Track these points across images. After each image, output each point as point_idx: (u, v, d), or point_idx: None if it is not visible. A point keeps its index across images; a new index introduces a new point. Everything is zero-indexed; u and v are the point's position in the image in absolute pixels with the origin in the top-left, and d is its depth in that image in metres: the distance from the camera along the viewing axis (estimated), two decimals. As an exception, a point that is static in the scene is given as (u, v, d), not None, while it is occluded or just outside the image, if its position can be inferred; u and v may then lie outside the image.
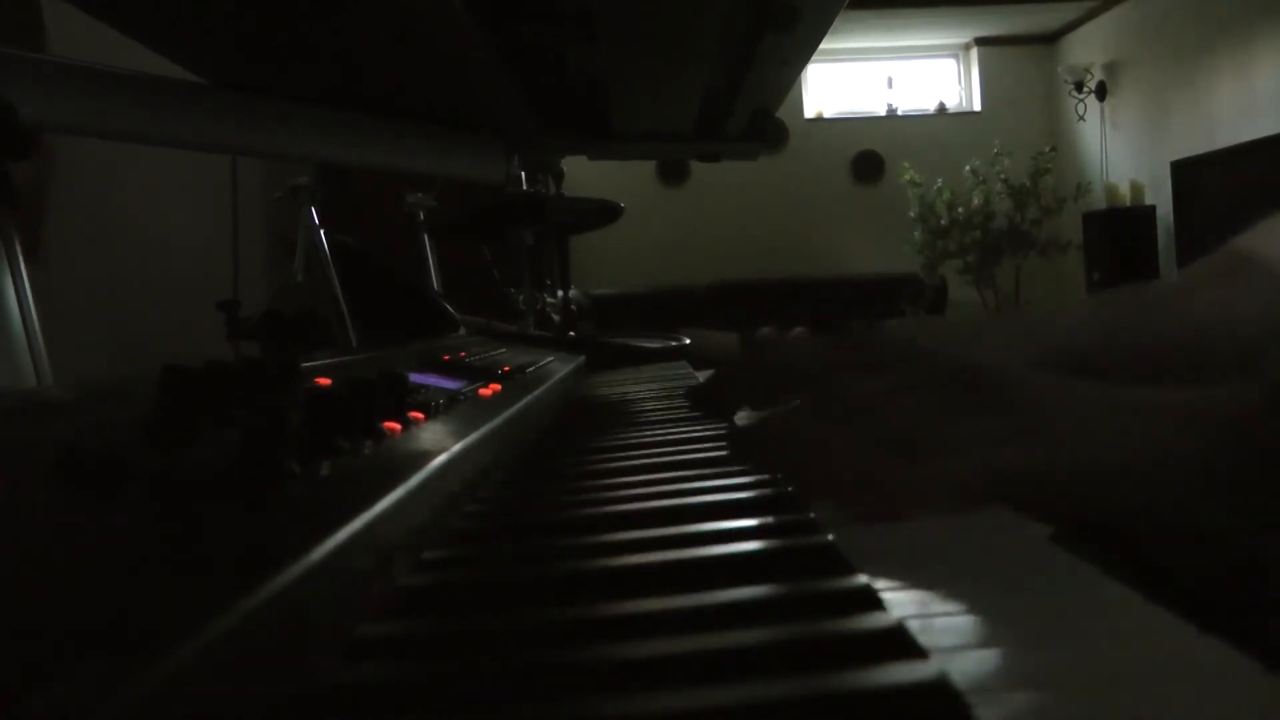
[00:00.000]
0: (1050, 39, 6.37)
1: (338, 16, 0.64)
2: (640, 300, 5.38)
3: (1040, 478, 0.34)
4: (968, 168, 5.66)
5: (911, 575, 0.26)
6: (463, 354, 0.72)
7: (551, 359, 0.90)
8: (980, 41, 6.37)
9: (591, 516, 0.36)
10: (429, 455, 0.35)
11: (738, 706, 0.18)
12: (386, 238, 1.93)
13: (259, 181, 2.49)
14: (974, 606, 0.23)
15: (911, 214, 5.68)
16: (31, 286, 0.60)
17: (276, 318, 1.28)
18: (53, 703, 0.14)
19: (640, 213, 4.76)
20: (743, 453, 0.42)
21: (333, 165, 1.33)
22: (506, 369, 0.69)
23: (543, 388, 0.68)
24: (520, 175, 1.46)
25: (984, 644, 0.21)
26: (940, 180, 5.61)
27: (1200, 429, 0.35)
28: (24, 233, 0.61)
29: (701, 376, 0.97)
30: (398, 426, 0.37)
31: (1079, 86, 5.95)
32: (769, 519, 0.33)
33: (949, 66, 6.55)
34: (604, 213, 1.75)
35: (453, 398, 0.50)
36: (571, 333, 1.71)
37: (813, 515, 0.32)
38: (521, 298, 1.76)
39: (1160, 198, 5.30)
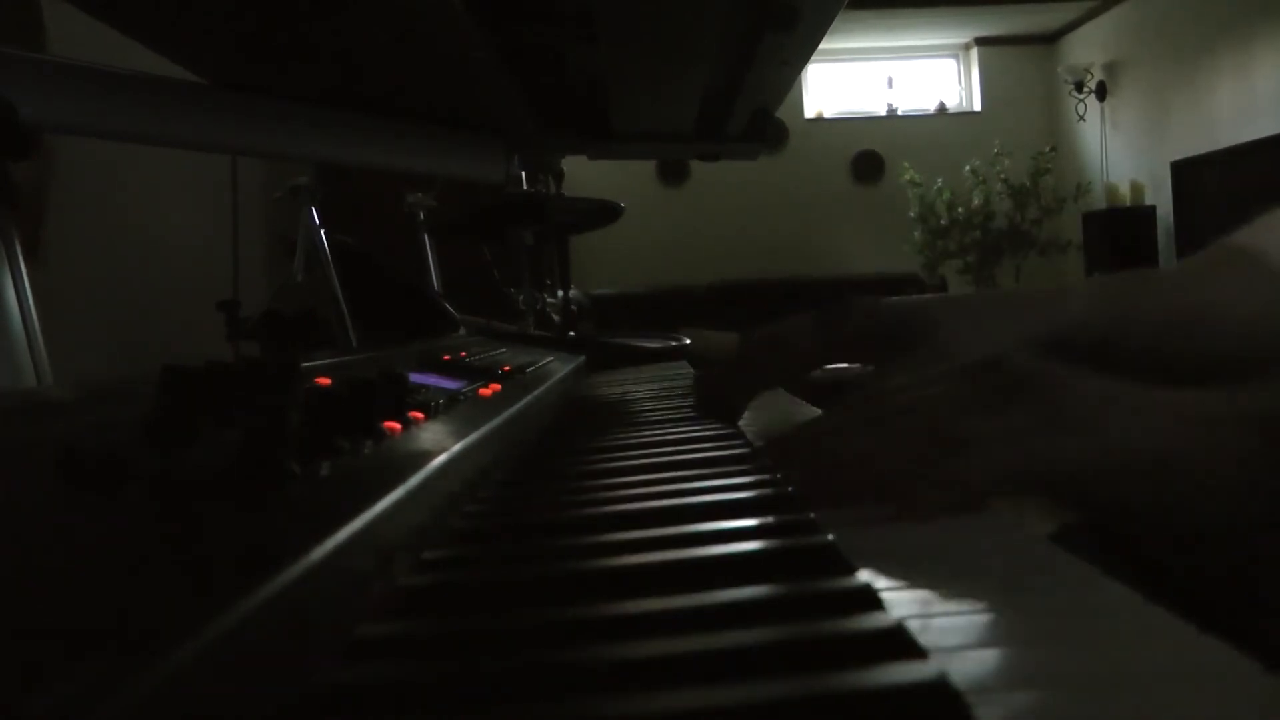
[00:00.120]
0: (1050, 39, 6.37)
1: (338, 16, 0.64)
2: (640, 300, 5.38)
3: (1081, 471, 0.34)
4: (968, 168, 5.66)
5: (911, 575, 0.26)
6: (463, 354, 0.72)
7: (551, 359, 0.90)
8: (980, 41, 6.36)
9: (591, 516, 0.36)
10: (429, 455, 0.35)
11: (738, 706, 0.18)
12: (386, 238, 1.93)
13: (259, 181, 2.49)
14: (974, 606, 0.23)
15: (911, 214, 5.68)
16: (31, 286, 0.60)
17: (276, 318, 1.28)
18: (53, 703, 0.14)
19: (640, 213, 4.76)
20: (783, 462, 0.41)
21: (333, 165, 1.33)
22: (506, 369, 0.69)
23: (543, 388, 0.68)
24: (520, 175, 1.46)
25: (984, 644, 0.21)
26: (940, 180, 5.61)
27: (1235, 430, 0.35)
28: (24, 233, 0.61)
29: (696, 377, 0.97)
30: (398, 426, 0.37)
31: (1079, 86, 5.95)
32: (769, 519, 0.33)
33: (949, 66, 6.55)
34: (604, 213, 1.75)
35: (453, 398, 0.50)
36: (571, 333, 1.71)
37: (812, 515, 0.32)
38: (521, 298, 1.75)
39: (1160, 198, 5.30)
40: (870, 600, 0.24)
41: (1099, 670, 0.19)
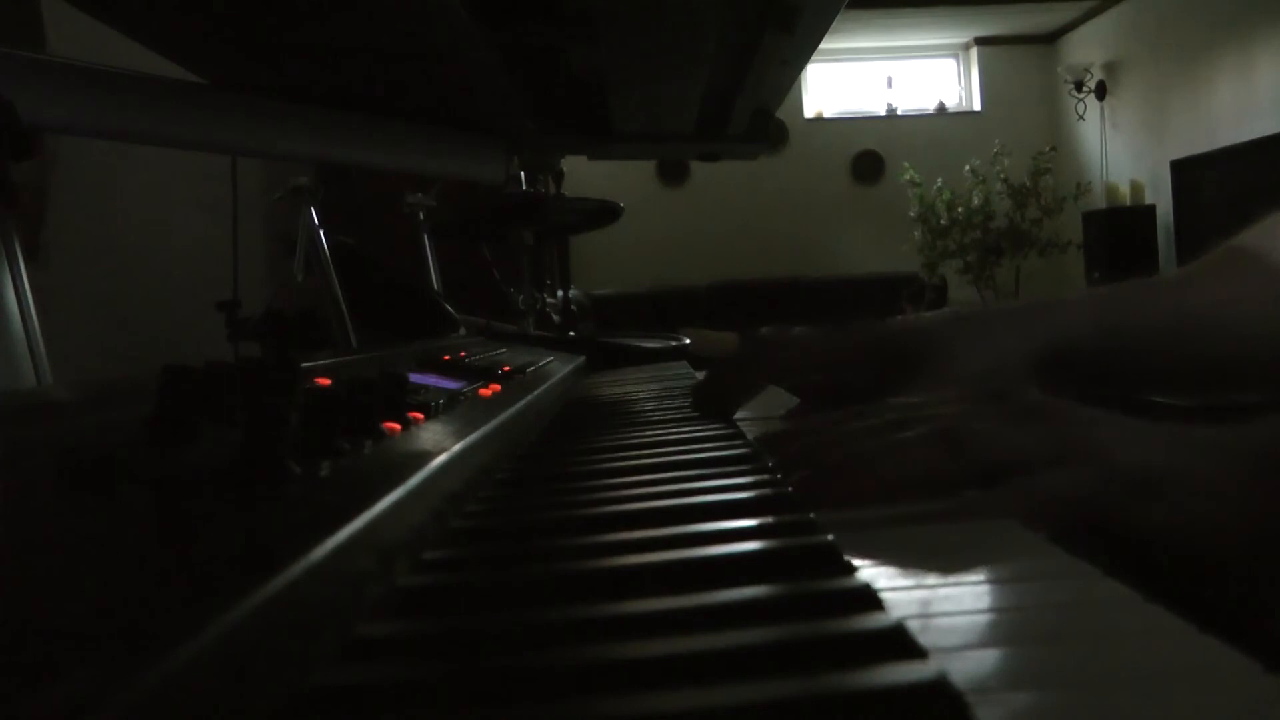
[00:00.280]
0: (1050, 39, 6.37)
1: (338, 16, 0.64)
2: (640, 300, 5.38)
3: (1095, 496, 0.34)
4: (968, 167, 5.66)
5: (911, 575, 0.26)
6: (463, 354, 0.72)
7: (551, 359, 0.90)
8: (980, 41, 6.36)
9: (591, 516, 0.36)
10: (429, 455, 0.35)
11: (738, 707, 0.18)
12: (386, 238, 1.93)
13: (259, 181, 2.48)
14: (974, 606, 0.23)
15: (911, 214, 5.68)
16: (31, 286, 0.60)
17: (276, 318, 1.28)
18: (53, 703, 0.14)
19: (640, 213, 4.76)
20: (785, 463, 0.41)
21: (333, 165, 1.33)
22: (506, 369, 0.69)
23: (543, 388, 0.68)
24: (520, 175, 1.46)
25: (984, 644, 0.21)
26: (940, 180, 5.61)
27: (1232, 455, 0.35)
28: (24, 233, 0.61)
29: (701, 377, 0.97)
30: (398, 426, 0.37)
31: (1079, 86, 5.95)
32: (769, 519, 0.33)
33: (949, 66, 6.55)
34: (604, 213, 1.75)
35: (453, 398, 0.50)
36: (571, 333, 1.71)
37: (812, 515, 0.32)
38: (521, 298, 1.75)
39: (1160, 197, 5.29)
40: (870, 600, 0.24)
41: (1099, 670, 0.19)
